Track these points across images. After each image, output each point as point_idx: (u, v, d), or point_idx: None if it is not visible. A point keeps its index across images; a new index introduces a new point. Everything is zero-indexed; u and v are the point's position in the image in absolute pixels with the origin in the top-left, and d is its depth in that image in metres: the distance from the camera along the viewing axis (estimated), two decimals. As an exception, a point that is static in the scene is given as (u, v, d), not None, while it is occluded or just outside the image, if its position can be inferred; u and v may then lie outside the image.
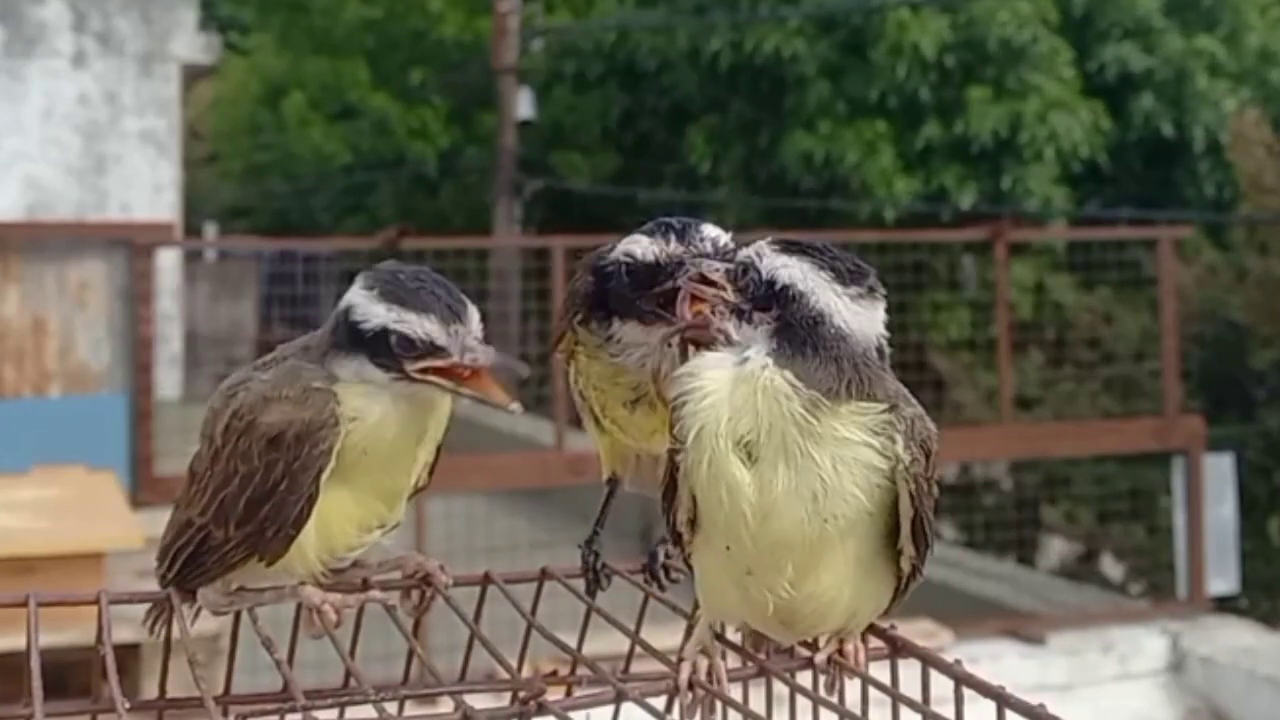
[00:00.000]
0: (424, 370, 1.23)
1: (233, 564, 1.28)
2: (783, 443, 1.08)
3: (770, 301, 1.11)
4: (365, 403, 1.24)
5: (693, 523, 1.14)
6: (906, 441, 1.09)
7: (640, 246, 1.27)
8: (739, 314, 1.12)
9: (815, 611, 1.14)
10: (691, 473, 1.11)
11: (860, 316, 1.11)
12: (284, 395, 1.23)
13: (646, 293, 1.27)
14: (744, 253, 1.15)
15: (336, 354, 1.25)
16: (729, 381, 1.10)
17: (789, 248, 1.13)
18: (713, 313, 1.14)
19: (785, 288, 1.11)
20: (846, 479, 1.08)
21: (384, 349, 1.23)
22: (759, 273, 1.12)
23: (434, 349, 1.22)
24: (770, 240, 1.15)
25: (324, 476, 1.23)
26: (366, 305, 1.24)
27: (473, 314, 1.24)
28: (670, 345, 1.23)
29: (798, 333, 1.10)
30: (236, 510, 1.24)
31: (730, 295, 1.13)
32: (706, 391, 1.10)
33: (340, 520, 1.27)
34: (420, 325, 1.22)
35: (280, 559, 1.26)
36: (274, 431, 1.22)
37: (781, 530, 1.09)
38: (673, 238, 1.26)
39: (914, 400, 1.13)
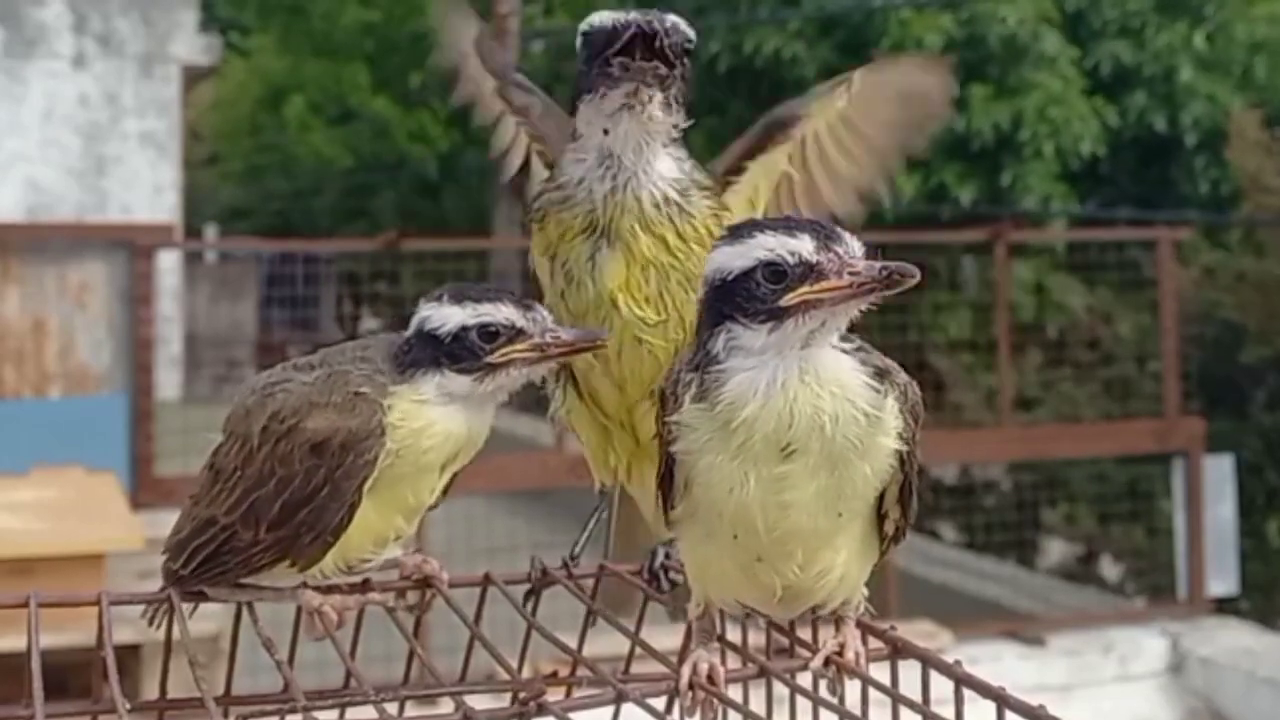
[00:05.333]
0: (506, 354, 1.23)
1: (259, 567, 1.27)
2: (837, 446, 1.05)
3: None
4: (414, 407, 1.23)
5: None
6: (900, 410, 1.08)
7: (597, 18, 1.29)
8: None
9: (821, 587, 1.14)
10: (700, 469, 1.09)
11: None
12: (330, 401, 1.22)
13: (602, 57, 1.27)
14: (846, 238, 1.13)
15: (414, 372, 1.24)
16: (779, 378, 1.05)
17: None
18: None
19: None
20: (879, 471, 1.08)
21: (463, 350, 1.23)
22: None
23: (515, 332, 1.23)
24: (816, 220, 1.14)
25: (367, 485, 1.22)
26: (440, 310, 1.24)
27: (543, 308, 1.26)
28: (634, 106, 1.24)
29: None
30: (270, 513, 1.23)
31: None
32: (743, 389, 1.06)
33: (360, 532, 1.26)
34: (498, 313, 1.23)
35: (315, 564, 1.26)
36: (319, 438, 1.21)
37: (799, 523, 1.08)
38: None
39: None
